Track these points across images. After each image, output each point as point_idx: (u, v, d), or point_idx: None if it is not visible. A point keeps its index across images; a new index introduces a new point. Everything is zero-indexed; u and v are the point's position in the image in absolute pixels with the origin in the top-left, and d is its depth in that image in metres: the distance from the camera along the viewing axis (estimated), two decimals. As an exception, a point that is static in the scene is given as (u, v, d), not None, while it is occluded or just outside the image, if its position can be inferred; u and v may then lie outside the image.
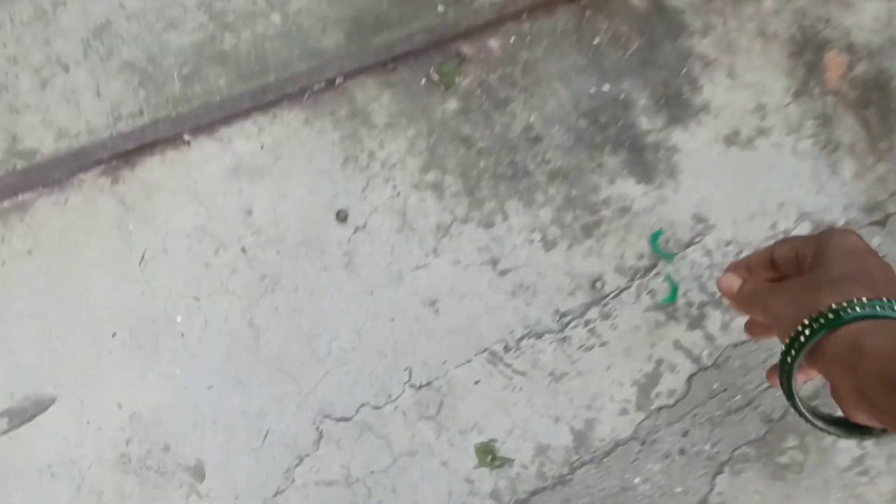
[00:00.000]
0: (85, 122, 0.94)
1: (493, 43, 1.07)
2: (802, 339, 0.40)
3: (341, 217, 0.94)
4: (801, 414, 0.42)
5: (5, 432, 0.87)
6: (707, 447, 0.97)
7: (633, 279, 0.95)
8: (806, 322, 0.40)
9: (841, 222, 1.01)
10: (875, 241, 1.01)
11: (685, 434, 0.96)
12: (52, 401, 0.88)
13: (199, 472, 0.87)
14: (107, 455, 0.87)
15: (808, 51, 1.11)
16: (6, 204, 0.87)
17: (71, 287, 0.87)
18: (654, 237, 0.55)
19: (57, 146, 0.93)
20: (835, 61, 1.11)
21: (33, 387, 0.88)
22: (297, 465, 0.85)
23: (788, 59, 1.10)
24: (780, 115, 1.06)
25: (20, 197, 0.89)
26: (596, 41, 1.08)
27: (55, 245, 0.87)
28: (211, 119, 0.96)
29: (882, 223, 1.03)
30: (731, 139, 1.05)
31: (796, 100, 1.08)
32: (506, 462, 0.86)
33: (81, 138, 0.94)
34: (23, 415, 0.88)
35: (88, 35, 1.00)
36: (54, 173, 0.90)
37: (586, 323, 0.93)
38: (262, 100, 1.01)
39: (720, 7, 1.13)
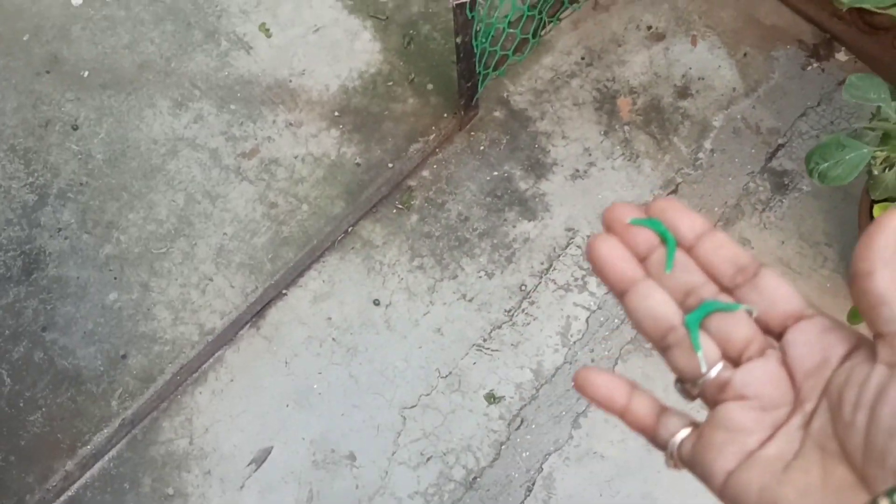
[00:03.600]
0: (232, 304, 1.80)
1: (425, 172, 1.88)
2: None
3: (376, 303, 1.76)
4: None
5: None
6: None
7: (541, 277, 1.72)
8: None
9: (650, 200, 1.75)
10: (672, 202, 1.76)
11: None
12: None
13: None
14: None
15: (606, 103, 1.88)
16: (211, 361, 1.74)
17: (252, 390, 1.71)
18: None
19: (223, 322, 1.80)
20: (624, 103, 1.87)
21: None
22: (398, 437, 1.66)
23: (595, 113, 1.87)
24: (599, 150, 1.83)
25: (215, 355, 1.75)
26: (482, 148, 1.88)
27: (243, 372, 1.71)
28: (292, 277, 1.81)
29: (675, 191, 1.78)
30: (575, 175, 1.82)
31: (606, 137, 1.84)
32: (501, 399, 1.65)
33: (233, 313, 1.80)
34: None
35: (214, 256, 1.86)
36: (227, 336, 1.76)
37: (523, 310, 1.70)
38: (314, 256, 1.84)
39: (547, 97, 1.91)
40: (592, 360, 1.71)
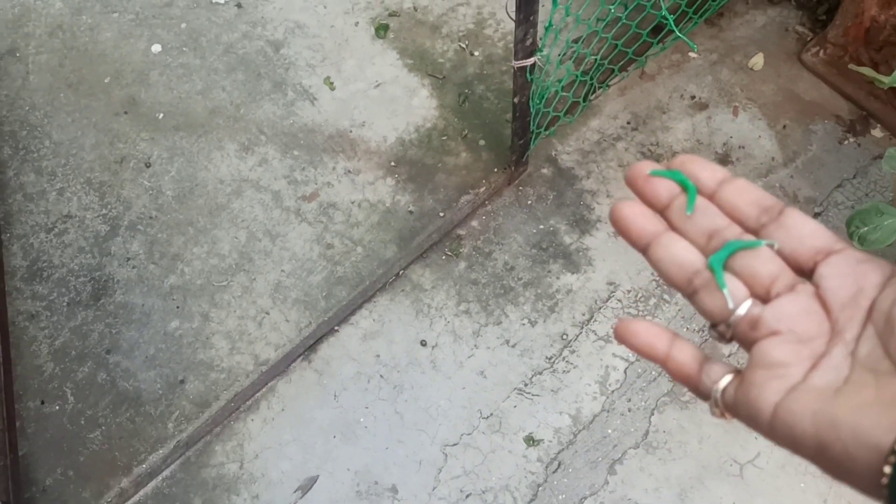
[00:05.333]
0: (286, 337, 1.92)
1: (475, 223, 1.99)
2: None
3: (423, 344, 1.87)
4: None
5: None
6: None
7: (582, 328, 1.82)
8: None
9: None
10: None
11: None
12: None
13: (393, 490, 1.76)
14: None
15: (650, 166, 1.99)
16: (263, 390, 1.84)
17: (301, 420, 1.81)
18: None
19: (276, 354, 1.91)
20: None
21: None
22: (439, 473, 1.74)
23: (640, 175, 1.98)
24: (642, 209, 1.93)
25: (268, 385, 1.85)
26: (529, 202, 2.00)
27: (293, 402, 1.81)
28: (344, 314, 1.92)
29: (714, 251, 1.87)
30: (617, 233, 1.92)
31: (649, 197, 1.95)
32: (539, 442, 1.73)
33: (287, 346, 1.91)
34: None
35: (272, 291, 1.98)
36: (280, 367, 1.87)
37: (564, 358, 1.80)
38: (366, 296, 1.96)
39: (594, 157, 2.03)
40: (629, 410, 1.79)
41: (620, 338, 0.44)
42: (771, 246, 0.41)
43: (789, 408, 0.36)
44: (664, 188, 0.44)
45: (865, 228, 1.12)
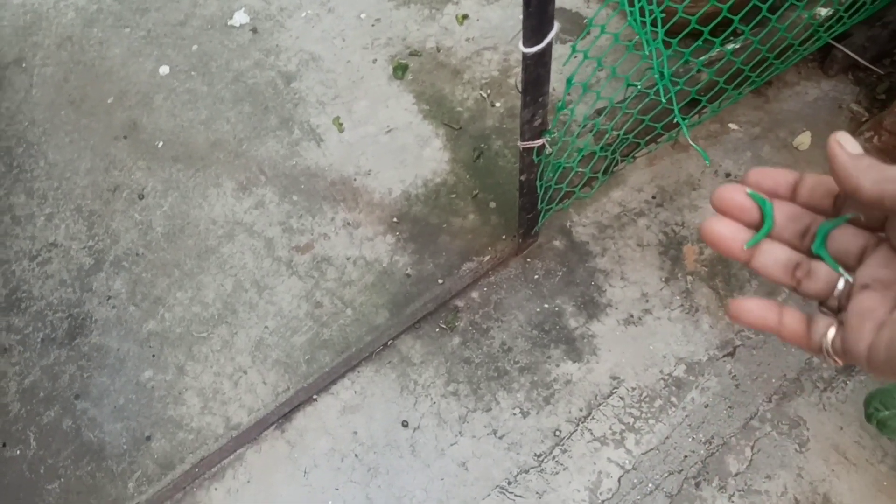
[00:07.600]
0: (261, 401, 1.82)
1: (475, 294, 1.87)
2: None
3: (405, 424, 1.75)
4: None
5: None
6: None
7: (578, 425, 1.69)
8: None
9: (704, 360, 1.71)
10: (727, 367, 1.71)
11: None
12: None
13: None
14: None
15: (671, 248, 1.85)
16: (231, 458, 1.75)
17: (266, 496, 1.72)
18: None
19: (249, 419, 1.81)
20: (690, 251, 1.84)
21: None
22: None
23: (659, 257, 1.84)
24: (657, 297, 1.80)
25: (236, 452, 1.76)
26: (536, 277, 1.87)
27: (261, 475, 1.72)
28: (325, 383, 1.82)
29: (732, 354, 1.73)
30: (628, 321, 1.79)
31: (667, 284, 1.81)
32: (518, 549, 1.61)
33: (261, 411, 1.81)
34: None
35: (252, 349, 1.89)
36: (251, 434, 1.77)
37: (554, 457, 1.67)
38: (350, 364, 1.85)
39: (611, 233, 1.89)
40: (620, 525, 1.66)
41: (735, 318, 0.51)
42: (858, 218, 0.49)
43: (876, 344, 0.44)
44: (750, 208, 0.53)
45: (886, 413, 0.97)
